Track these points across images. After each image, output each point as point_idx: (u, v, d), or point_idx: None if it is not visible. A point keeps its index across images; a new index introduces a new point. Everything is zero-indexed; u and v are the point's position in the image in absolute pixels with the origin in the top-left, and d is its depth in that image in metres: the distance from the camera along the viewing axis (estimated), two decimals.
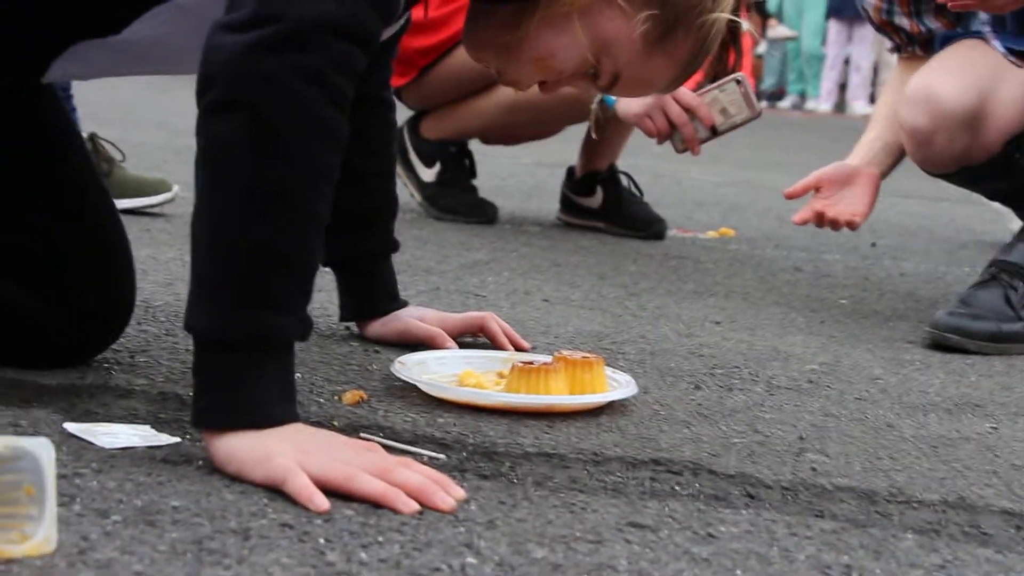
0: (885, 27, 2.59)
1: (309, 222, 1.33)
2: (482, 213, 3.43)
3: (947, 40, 2.51)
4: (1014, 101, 2.35)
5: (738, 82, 2.61)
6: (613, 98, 2.76)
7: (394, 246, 1.95)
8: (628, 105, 2.73)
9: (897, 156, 2.53)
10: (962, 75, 2.32)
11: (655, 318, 2.33)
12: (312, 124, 1.31)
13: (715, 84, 2.63)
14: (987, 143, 2.34)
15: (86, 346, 1.67)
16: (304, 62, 1.29)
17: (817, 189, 2.51)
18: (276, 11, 1.29)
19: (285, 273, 1.32)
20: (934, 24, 2.56)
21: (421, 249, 2.84)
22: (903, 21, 2.56)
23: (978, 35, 2.45)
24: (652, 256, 3.10)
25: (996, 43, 2.39)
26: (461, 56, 3.27)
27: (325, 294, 2.07)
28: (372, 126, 1.88)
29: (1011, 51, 2.39)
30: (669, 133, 2.68)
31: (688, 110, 2.64)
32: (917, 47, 2.59)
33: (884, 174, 2.53)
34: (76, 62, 1.59)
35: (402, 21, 1.76)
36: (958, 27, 2.53)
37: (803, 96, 14.04)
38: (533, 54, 1.57)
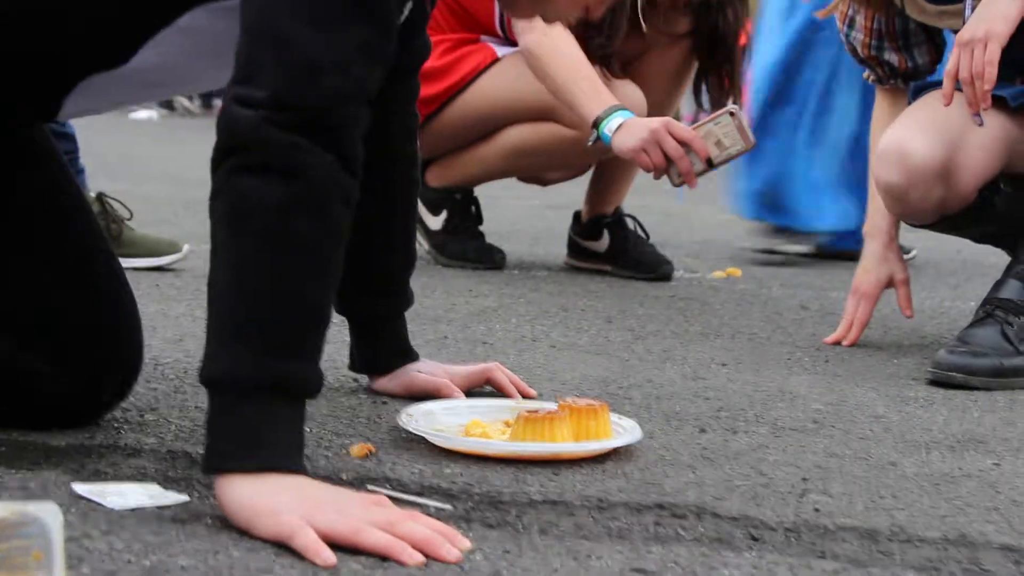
0: (871, 61, 2.62)
1: (332, 277, 1.40)
2: (490, 259, 3.45)
3: (919, 91, 2.53)
4: (984, 148, 2.38)
5: (732, 114, 2.63)
6: (609, 135, 2.78)
7: (409, 302, 1.97)
8: (624, 141, 2.74)
9: None
10: (931, 129, 2.35)
11: (661, 361, 2.34)
12: (337, 187, 1.38)
13: (709, 117, 2.65)
14: (961, 193, 2.36)
15: (93, 407, 1.68)
16: (329, 138, 1.36)
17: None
18: (292, 100, 1.35)
19: (310, 324, 1.38)
20: (923, 59, 2.59)
21: (429, 297, 2.86)
22: (892, 56, 2.59)
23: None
24: (659, 298, 3.11)
25: None
26: (463, 104, 3.31)
27: (333, 346, 2.08)
28: (399, 184, 1.91)
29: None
30: (665, 167, 2.69)
31: (683, 143, 2.66)
32: (899, 80, 2.62)
33: (897, 228, 2.58)
34: (89, 97, 1.61)
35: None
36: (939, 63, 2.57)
37: None
38: None
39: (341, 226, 1.39)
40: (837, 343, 2.56)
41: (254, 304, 1.34)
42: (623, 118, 2.79)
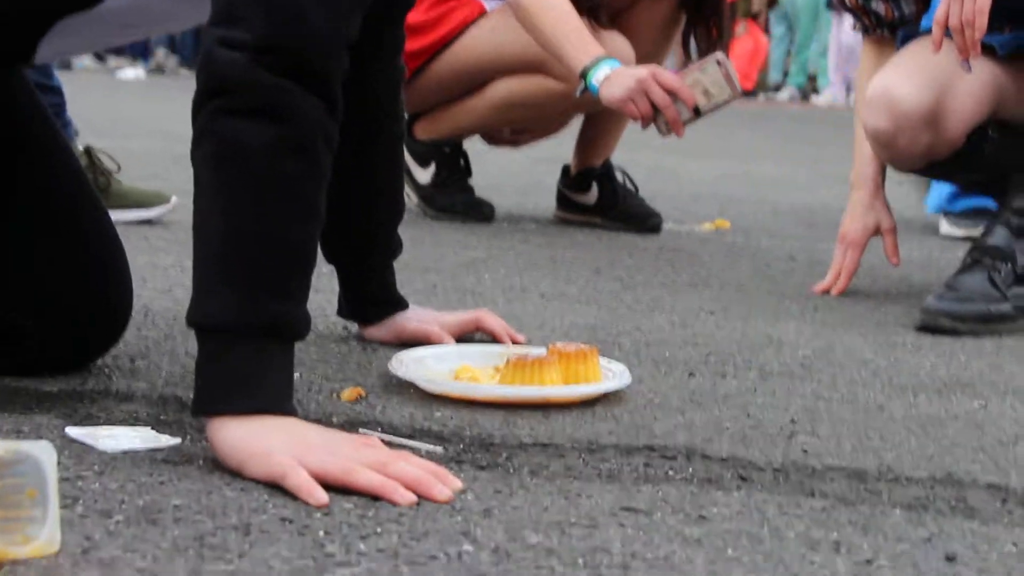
0: (857, 10, 2.62)
1: (318, 218, 1.40)
2: (479, 212, 3.45)
3: (907, 38, 2.52)
4: (972, 94, 2.38)
5: (718, 63, 2.63)
6: (596, 85, 2.77)
7: (396, 251, 1.97)
8: (611, 91, 2.73)
9: None
10: (919, 74, 2.35)
11: (650, 310, 2.35)
12: (322, 129, 1.38)
13: (696, 65, 2.65)
14: (949, 138, 2.37)
15: (83, 354, 1.69)
16: (312, 80, 1.36)
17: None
18: (280, 42, 1.35)
19: (297, 266, 1.38)
20: (909, 8, 2.58)
21: (418, 248, 2.85)
22: (879, 6, 2.60)
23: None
24: (648, 250, 3.12)
25: None
26: (451, 57, 3.30)
27: (322, 295, 2.09)
28: (383, 135, 1.90)
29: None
30: (653, 116, 2.69)
31: (670, 92, 2.65)
32: (885, 30, 2.62)
33: (883, 176, 2.59)
34: (64, 39, 1.60)
35: None
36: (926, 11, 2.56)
37: (801, 89, 13.99)
38: None
39: (325, 169, 1.39)
40: (826, 292, 2.57)
41: (241, 246, 1.34)
42: (610, 68, 2.78)
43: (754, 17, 14.25)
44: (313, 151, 1.37)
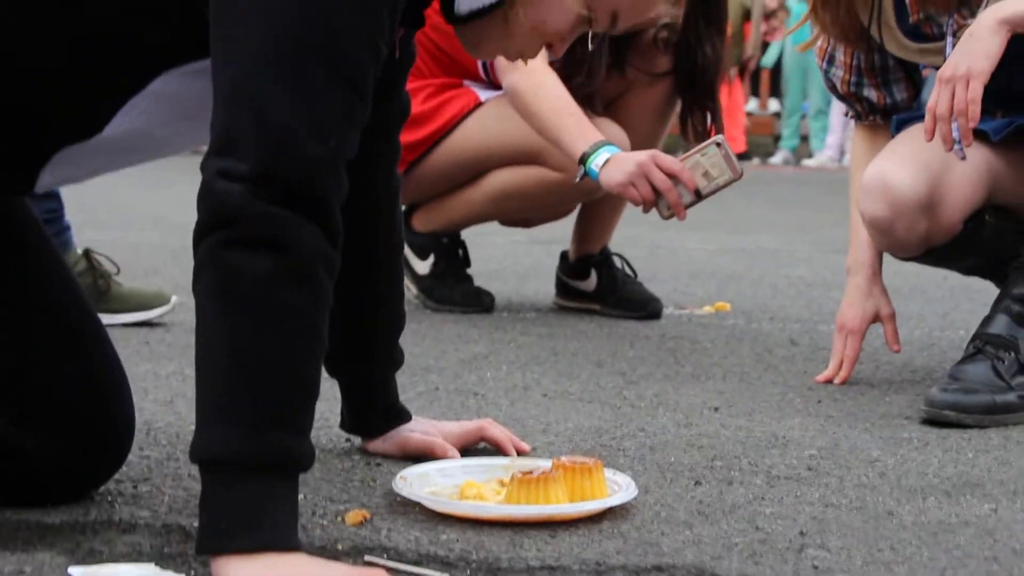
0: (850, 97, 2.62)
1: (321, 348, 1.40)
2: (478, 302, 3.44)
3: (902, 124, 2.53)
4: (968, 180, 2.38)
5: (718, 144, 2.63)
6: (596, 170, 2.78)
7: (398, 363, 1.96)
8: (612, 175, 2.73)
9: None
10: (914, 161, 2.36)
11: (653, 407, 2.33)
12: (322, 258, 1.38)
13: (696, 149, 2.65)
14: (947, 224, 2.37)
15: (87, 480, 1.67)
16: (311, 208, 1.36)
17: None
18: (276, 173, 1.35)
19: (301, 398, 1.38)
20: (901, 95, 2.60)
21: (419, 345, 2.85)
22: (871, 93, 2.60)
23: None
24: (649, 338, 3.11)
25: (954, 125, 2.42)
26: (448, 149, 3.31)
27: (325, 403, 2.07)
28: (382, 247, 1.90)
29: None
30: (654, 200, 2.69)
31: (671, 176, 2.65)
32: (878, 116, 2.62)
33: (880, 261, 2.59)
34: (65, 167, 1.60)
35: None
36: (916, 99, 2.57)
37: (795, 152, 14.02)
38: (527, 27, 1.61)
39: (328, 295, 1.39)
40: (828, 381, 2.56)
41: (245, 380, 1.34)
42: (610, 153, 2.79)
43: (740, 74, 14.20)
44: (314, 280, 1.37)
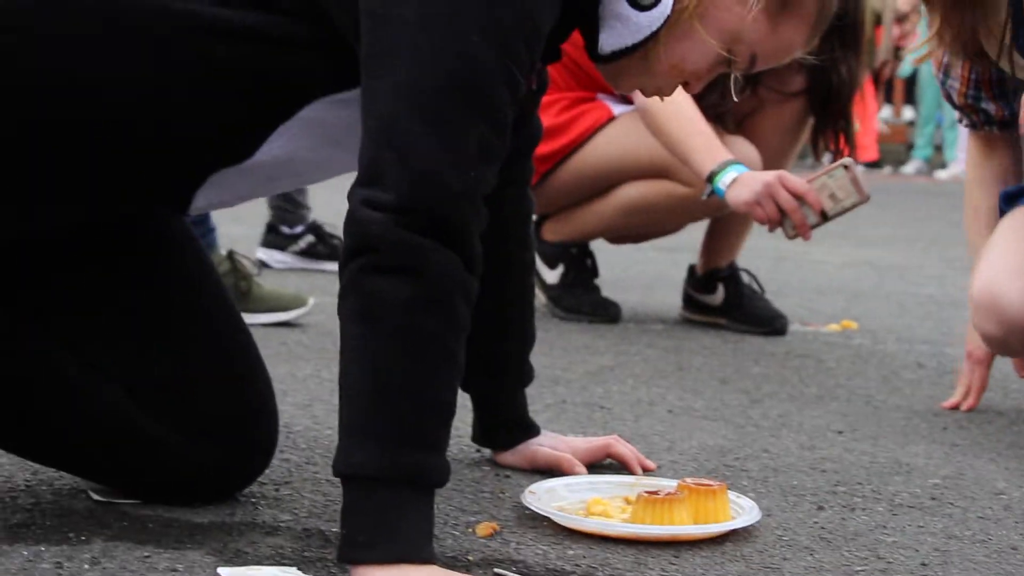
0: (967, 108, 2.55)
1: (457, 370, 1.45)
2: (605, 313, 3.48)
3: (1011, 198, 2.44)
4: None
5: (846, 167, 2.65)
6: (723, 189, 2.82)
7: (528, 379, 1.99)
8: (738, 194, 2.78)
9: None
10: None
11: (777, 428, 2.35)
12: (459, 284, 1.43)
13: (824, 170, 2.67)
14: None
15: (234, 482, 1.74)
16: (451, 238, 1.41)
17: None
18: (417, 203, 1.40)
19: (438, 418, 1.44)
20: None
21: (547, 356, 2.88)
22: (989, 105, 2.52)
23: None
24: (774, 355, 3.12)
25: None
26: (580, 161, 3.35)
27: (457, 415, 2.10)
28: (513, 267, 1.94)
29: None
30: (780, 220, 2.72)
31: (797, 196, 2.68)
32: (995, 127, 2.55)
33: None
34: (217, 190, 1.65)
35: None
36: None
37: (928, 162, 13.77)
38: (667, 65, 1.65)
39: (464, 321, 1.44)
40: (955, 407, 2.56)
41: (386, 400, 1.39)
42: (737, 172, 2.82)
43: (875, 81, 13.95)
44: (450, 306, 1.42)
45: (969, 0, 2.36)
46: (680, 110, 3.01)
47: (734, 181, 2.81)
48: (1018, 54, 2.39)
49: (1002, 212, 2.47)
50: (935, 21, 2.44)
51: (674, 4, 1.61)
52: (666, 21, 1.61)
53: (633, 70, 1.67)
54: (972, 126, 2.61)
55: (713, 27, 1.63)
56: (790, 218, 2.71)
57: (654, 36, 1.61)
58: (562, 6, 1.53)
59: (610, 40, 1.62)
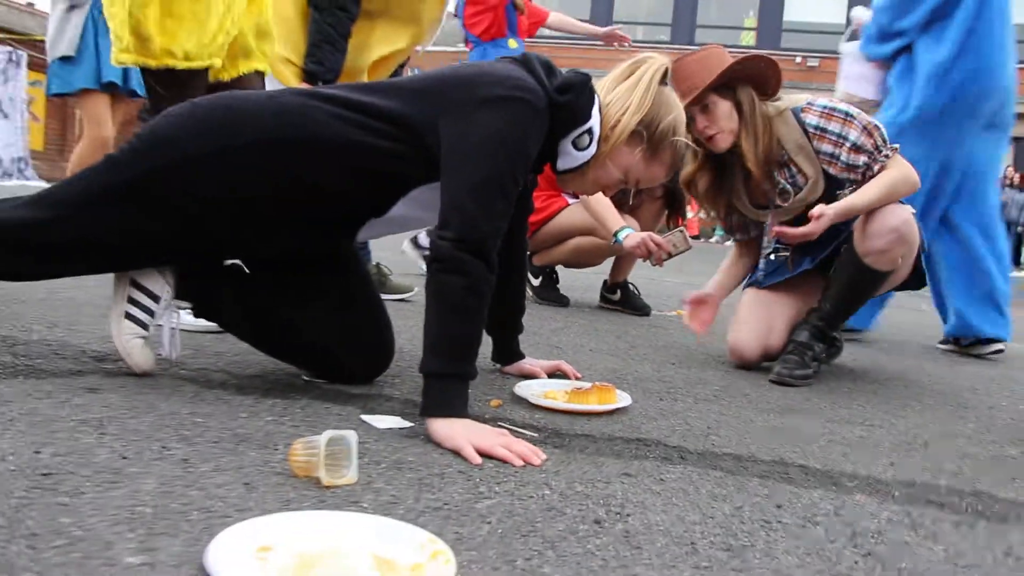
0: (727, 231, 2.42)
1: (481, 323, 1.40)
2: (562, 302, 3.43)
3: (752, 282, 2.35)
4: (785, 318, 2.24)
5: (681, 231, 2.65)
6: (622, 239, 2.81)
7: (520, 330, 1.94)
8: (630, 243, 2.76)
9: (733, 288, 2.42)
10: (755, 335, 2.21)
11: (642, 360, 2.31)
12: (485, 279, 1.39)
13: (670, 233, 2.67)
14: (777, 350, 2.23)
15: (371, 374, 1.70)
16: (482, 256, 1.38)
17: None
18: (466, 236, 1.38)
19: (471, 346, 1.38)
20: (755, 231, 2.38)
21: (531, 320, 2.83)
22: (738, 234, 2.39)
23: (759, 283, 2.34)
24: (643, 325, 3.07)
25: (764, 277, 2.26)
26: (551, 226, 3.31)
27: (486, 347, 2.08)
28: (516, 275, 1.88)
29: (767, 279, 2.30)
30: (648, 256, 2.71)
31: (657, 244, 2.66)
32: (743, 240, 2.41)
33: (723, 296, 2.44)
34: (369, 229, 1.61)
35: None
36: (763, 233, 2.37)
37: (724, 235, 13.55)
38: (592, 180, 1.61)
39: (487, 298, 1.40)
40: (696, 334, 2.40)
41: (445, 336, 1.36)
42: (628, 231, 2.82)
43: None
44: (480, 291, 1.38)
45: (715, 189, 2.28)
46: (599, 200, 3.00)
47: (627, 236, 2.81)
48: (750, 207, 2.31)
49: (750, 283, 2.39)
50: (703, 201, 2.33)
51: (596, 149, 1.58)
52: (593, 157, 1.59)
53: (575, 182, 1.64)
54: (734, 240, 2.46)
55: (615, 163, 1.59)
56: (653, 255, 2.70)
57: (586, 164, 1.59)
58: (539, 148, 1.51)
59: (562, 164, 1.61)
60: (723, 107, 2.16)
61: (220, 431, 1.31)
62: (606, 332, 2.82)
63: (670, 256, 2.69)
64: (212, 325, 1.92)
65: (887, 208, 2.10)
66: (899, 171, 2.11)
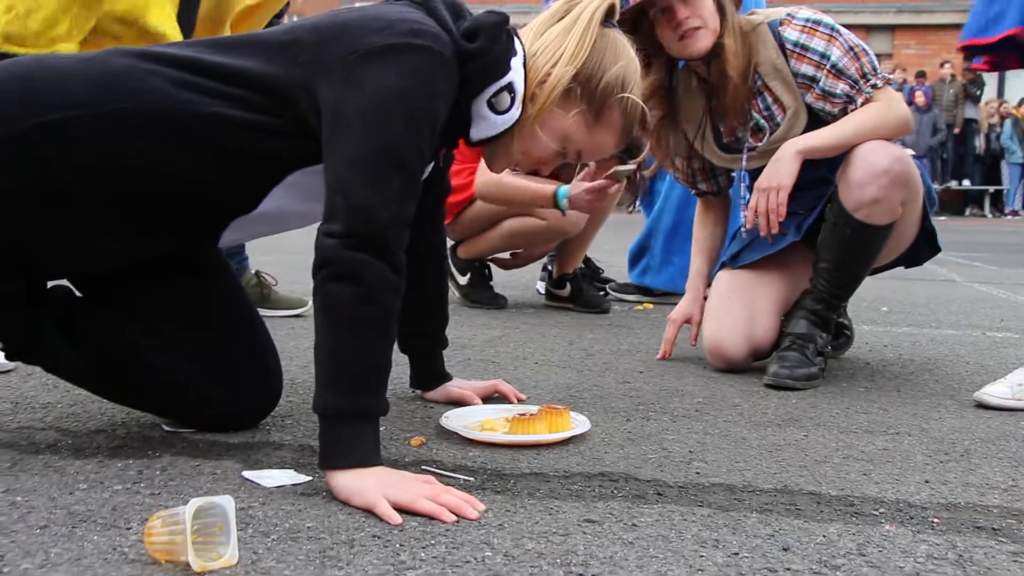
0: (687, 184, 2.45)
1: (390, 340, 1.37)
2: (497, 303, 3.43)
3: (723, 264, 2.38)
4: (771, 303, 2.25)
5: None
6: (564, 199, 2.86)
7: (444, 345, 1.92)
8: (578, 199, 2.78)
9: (709, 272, 2.45)
10: (738, 328, 2.23)
11: (602, 371, 2.31)
12: (388, 284, 1.35)
13: (612, 169, 2.63)
14: (767, 346, 2.26)
15: (253, 416, 1.67)
16: (380, 252, 1.34)
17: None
18: (357, 229, 1.34)
19: (376, 371, 1.35)
20: (724, 182, 2.44)
21: (458, 329, 2.85)
22: (703, 184, 2.43)
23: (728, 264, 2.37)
24: (601, 326, 3.08)
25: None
26: (477, 207, 3.32)
27: (401, 368, 2.08)
28: (433, 274, 1.86)
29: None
30: (604, 200, 2.72)
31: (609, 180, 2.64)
32: (710, 195, 2.46)
33: (707, 287, 2.46)
34: (235, 231, 1.58)
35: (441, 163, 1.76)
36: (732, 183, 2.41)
37: None
38: (519, 153, 1.58)
39: (393, 308, 1.36)
40: (663, 357, 2.44)
41: (339, 363, 1.33)
42: (565, 189, 2.87)
43: None
44: (381, 300, 1.34)
45: (668, 126, 2.29)
46: (510, 179, 3.00)
47: (570, 194, 2.81)
48: (716, 149, 2.32)
49: (723, 264, 2.41)
50: (651, 141, 2.36)
51: (521, 112, 1.54)
52: (517, 123, 1.55)
53: (499, 156, 1.61)
54: (698, 195, 2.50)
55: (548, 130, 1.55)
56: (611, 195, 2.69)
57: (508, 132, 1.55)
58: (449, 109, 1.48)
59: (476, 132, 1.57)
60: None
61: (50, 511, 1.25)
62: (555, 338, 2.81)
63: (618, 182, 2.64)
64: (34, 369, 1.85)
65: (871, 146, 2.05)
66: (887, 105, 2.09)
